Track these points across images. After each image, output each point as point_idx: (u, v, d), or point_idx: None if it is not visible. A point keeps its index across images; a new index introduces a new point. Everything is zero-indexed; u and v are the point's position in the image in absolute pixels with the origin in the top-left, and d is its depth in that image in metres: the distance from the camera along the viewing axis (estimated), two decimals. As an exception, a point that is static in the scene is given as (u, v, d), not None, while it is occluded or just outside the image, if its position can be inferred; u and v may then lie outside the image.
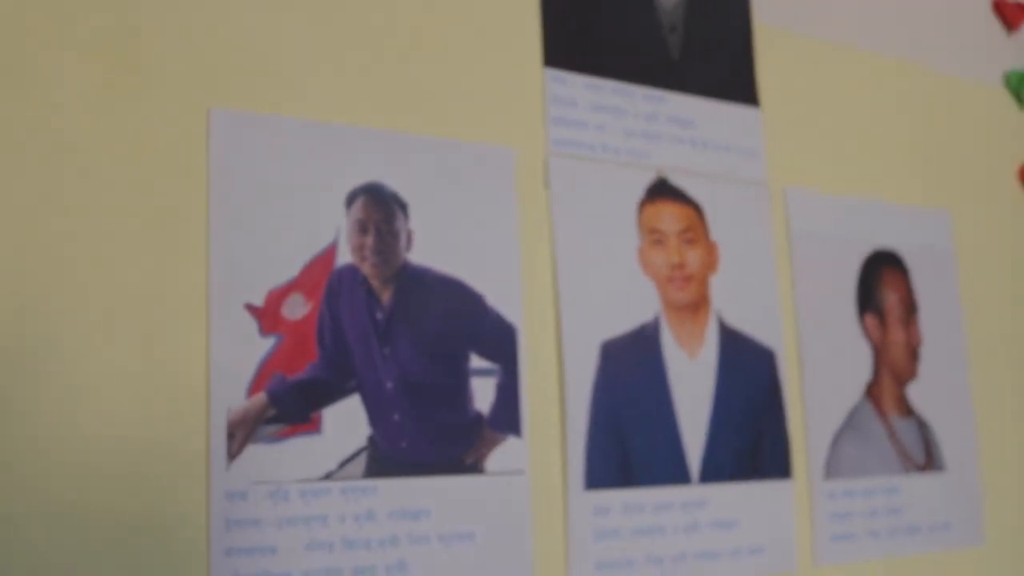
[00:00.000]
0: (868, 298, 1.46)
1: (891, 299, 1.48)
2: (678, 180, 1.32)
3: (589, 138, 1.27)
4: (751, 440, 1.30)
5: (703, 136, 1.36)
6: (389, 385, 1.09)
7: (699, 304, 1.30)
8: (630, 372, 1.23)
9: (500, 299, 1.17)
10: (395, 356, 1.10)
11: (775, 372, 1.35)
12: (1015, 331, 1.64)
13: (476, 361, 1.14)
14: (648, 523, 1.21)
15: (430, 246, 1.14)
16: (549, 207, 1.22)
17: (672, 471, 1.24)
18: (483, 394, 1.14)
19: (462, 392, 1.13)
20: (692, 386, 1.27)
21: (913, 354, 1.49)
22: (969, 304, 1.58)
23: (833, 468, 1.38)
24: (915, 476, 1.45)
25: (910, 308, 1.50)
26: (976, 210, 1.63)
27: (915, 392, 1.48)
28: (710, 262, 1.32)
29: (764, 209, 1.39)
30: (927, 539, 1.44)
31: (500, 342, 1.16)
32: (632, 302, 1.25)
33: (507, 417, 1.15)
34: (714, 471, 1.27)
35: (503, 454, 1.14)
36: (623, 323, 1.24)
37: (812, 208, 1.44)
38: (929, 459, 1.47)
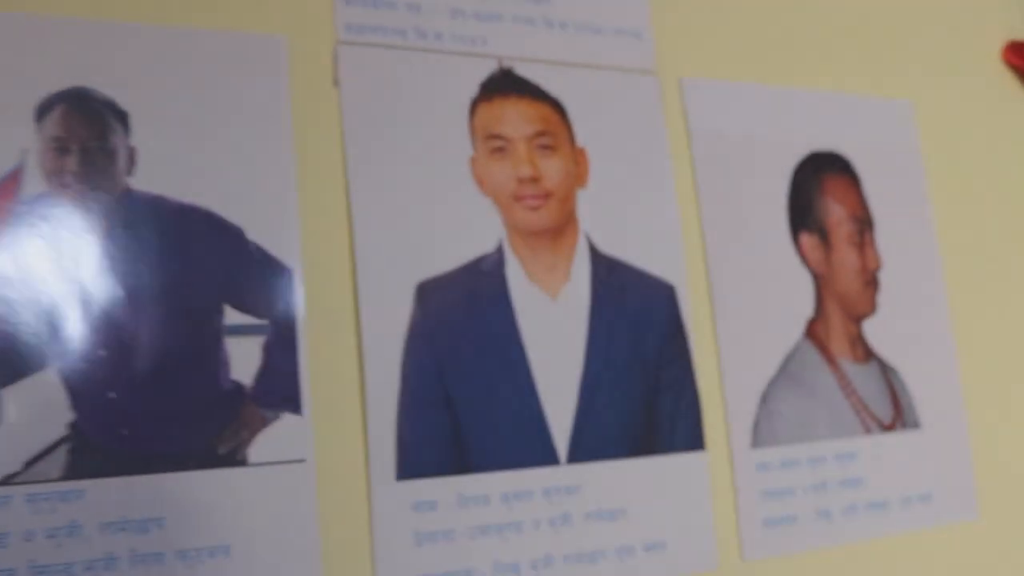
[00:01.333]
0: (804, 213, 1.14)
1: (836, 213, 1.16)
2: (528, 71, 1.02)
3: (398, 21, 0.97)
4: (642, 402, 0.99)
5: (562, 15, 1.05)
6: (101, 352, 0.81)
7: (561, 227, 1.00)
8: (461, 320, 0.93)
9: (267, 232, 0.88)
10: (110, 314, 0.81)
11: (675, 311, 1.03)
12: (1002, 246, 1.29)
13: (233, 315, 0.86)
14: (496, 519, 0.91)
15: (163, 167, 0.87)
16: (340, 111, 0.93)
17: (529, 449, 0.94)
18: (244, 359, 0.86)
19: (211, 358, 0.85)
20: (554, 334, 0.97)
21: (870, 282, 1.16)
22: (943, 215, 1.24)
23: (764, 432, 1.06)
24: (879, 436, 1.12)
25: (863, 224, 1.17)
26: (947, 97, 1.29)
27: (874, 330, 1.15)
28: (577, 173, 1.02)
29: (653, 105, 1.08)
30: (900, 516, 1.11)
31: (267, 289, 0.87)
32: (462, 229, 0.95)
33: (280, 389, 0.86)
34: (590, 446, 0.96)
35: (274, 438, 0.85)
36: (449, 257, 0.94)
37: (719, 102, 1.12)
38: (898, 414, 1.14)
